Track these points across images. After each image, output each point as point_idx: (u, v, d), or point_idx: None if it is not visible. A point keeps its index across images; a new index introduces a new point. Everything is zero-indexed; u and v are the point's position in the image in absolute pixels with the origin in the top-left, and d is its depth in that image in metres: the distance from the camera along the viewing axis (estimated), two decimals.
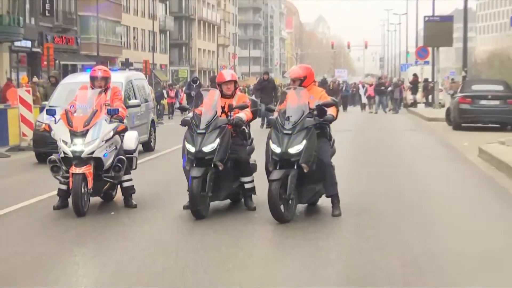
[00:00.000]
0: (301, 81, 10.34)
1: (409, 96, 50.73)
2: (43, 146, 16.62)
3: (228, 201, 11.05)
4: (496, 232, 9.42)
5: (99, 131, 10.51)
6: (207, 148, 10.02)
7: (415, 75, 52.36)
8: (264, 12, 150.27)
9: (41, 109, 20.62)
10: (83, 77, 15.53)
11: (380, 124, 33.41)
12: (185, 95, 38.03)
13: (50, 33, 52.96)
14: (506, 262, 7.81)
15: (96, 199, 11.19)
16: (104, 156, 10.57)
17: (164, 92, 43.16)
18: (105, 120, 10.73)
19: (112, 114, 10.86)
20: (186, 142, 10.29)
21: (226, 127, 10.30)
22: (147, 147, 19.73)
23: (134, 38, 75.55)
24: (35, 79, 37.98)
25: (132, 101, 18.00)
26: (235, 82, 10.92)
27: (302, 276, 7.31)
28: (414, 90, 50.82)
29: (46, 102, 18.07)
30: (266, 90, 28.57)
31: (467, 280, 7.10)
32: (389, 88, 47.24)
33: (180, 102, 39.99)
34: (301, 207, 10.42)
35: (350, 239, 8.91)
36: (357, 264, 7.66)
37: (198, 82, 38.04)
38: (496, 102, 27.73)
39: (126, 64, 54.51)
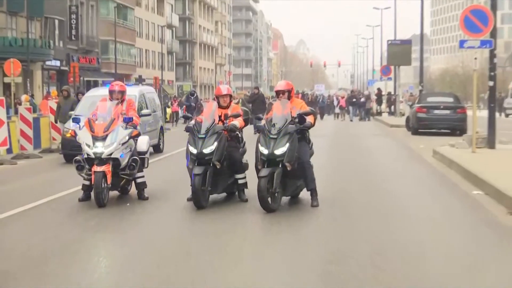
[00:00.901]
0: (284, 94, 10.36)
1: (374, 106, 50.86)
2: (70, 149, 16.57)
3: (224, 194, 11.03)
4: (449, 221, 9.42)
5: (116, 136, 10.50)
6: (206, 150, 10.02)
7: (379, 89, 52.49)
8: (254, 36, 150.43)
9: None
10: (103, 91, 15.48)
11: (351, 130, 33.44)
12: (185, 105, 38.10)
13: (76, 54, 52.87)
14: (458, 248, 7.82)
15: (114, 193, 11.15)
16: (120, 156, 10.56)
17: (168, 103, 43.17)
18: (122, 126, 10.71)
19: (128, 121, 10.85)
20: (189, 145, 10.30)
21: (222, 132, 10.30)
22: (156, 149, 19.69)
23: (146, 58, 75.45)
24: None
25: (144, 111, 17.91)
26: (230, 95, 10.95)
27: (287, 256, 7.30)
28: (378, 102, 50.96)
29: (72, 112, 17.99)
30: (257, 102, 28.41)
31: (425, 262, 7.10)
32: (362, 100, 47.17)
33: (183, 111, 40.00)
34: (285, 199, 10.41)
35: (326, 226, 8.90)
36: (332, 247, 7.66)
37: (195, 94, 38.35)
38: (447, 112, 27.83)
39: (139, 80, 54.25)
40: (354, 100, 46.51)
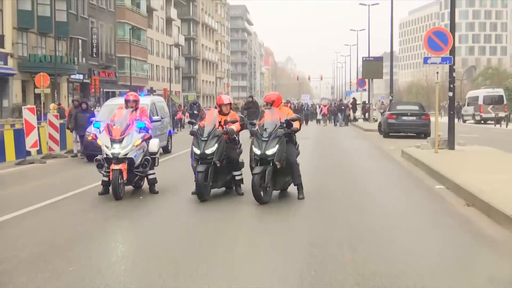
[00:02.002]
0: (271, 103, 10.40)
1: (352, 114, 50.98)
2: (91, 150, 16.55)
3: (223, 188, 11.03)
4: (415, 211, 9.45)
5: (131, 139, 10.52)
6: (208, 151, 10.04)
7: (353, 99, 52.81)
8: (249, 54, 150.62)
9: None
10: (119, 100, 15.48)
11: (331, 134, 33.47)
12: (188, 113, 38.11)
13: (96, 69, 52.79)
14: (423, 233, 7.85)
15: (129, 187, 11.16)
16: (135, 156, 10.57)
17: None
18: (136, 131, 10.72)
19: (141, 126, 10.85)
20: (193, 146, 10.31)
21: (222, 135, 10.32)
22: (165, 150, 19.70)
23: (156, 72, 75.33)
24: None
25: (155, 117, 17.95)
26: (231, 104, 10.98)
27: (277, 241, 7.31)
28: (354, 109, 51.13)
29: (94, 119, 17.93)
30: (252, 109, 28.17)
31: (395, 245, 7.12)
32: (342, 108, 47.21)
33: (186, 118, 39.96)
34: (275, 192, 10.42)
35: (310, 216, 8.92)
36: (315, 233, 7.67)
37: (197, 103, 38.54)
38: (414, 118, 27.93)
39: (151, 91, 54.43)
40: (342, 107, 46.59)
